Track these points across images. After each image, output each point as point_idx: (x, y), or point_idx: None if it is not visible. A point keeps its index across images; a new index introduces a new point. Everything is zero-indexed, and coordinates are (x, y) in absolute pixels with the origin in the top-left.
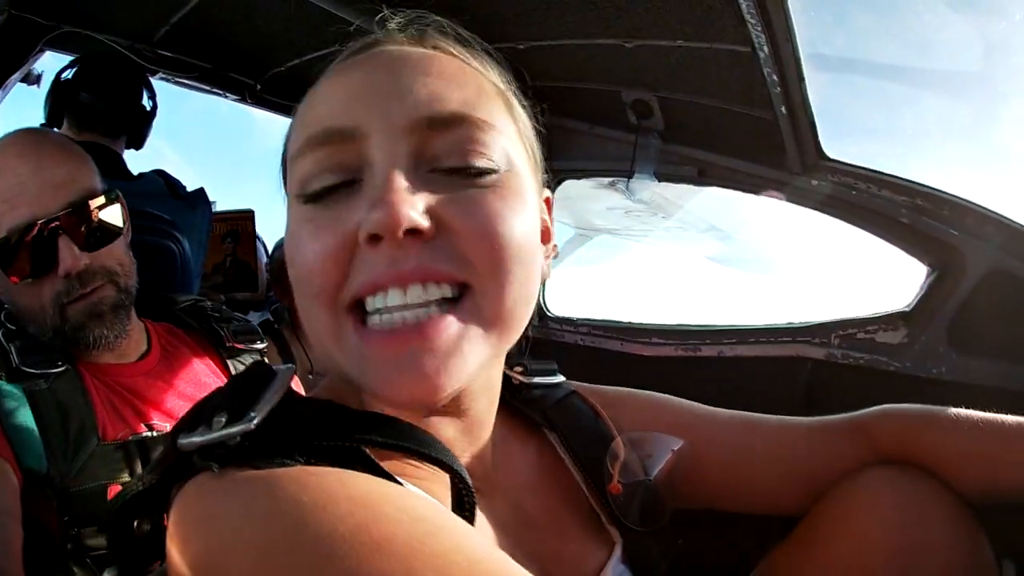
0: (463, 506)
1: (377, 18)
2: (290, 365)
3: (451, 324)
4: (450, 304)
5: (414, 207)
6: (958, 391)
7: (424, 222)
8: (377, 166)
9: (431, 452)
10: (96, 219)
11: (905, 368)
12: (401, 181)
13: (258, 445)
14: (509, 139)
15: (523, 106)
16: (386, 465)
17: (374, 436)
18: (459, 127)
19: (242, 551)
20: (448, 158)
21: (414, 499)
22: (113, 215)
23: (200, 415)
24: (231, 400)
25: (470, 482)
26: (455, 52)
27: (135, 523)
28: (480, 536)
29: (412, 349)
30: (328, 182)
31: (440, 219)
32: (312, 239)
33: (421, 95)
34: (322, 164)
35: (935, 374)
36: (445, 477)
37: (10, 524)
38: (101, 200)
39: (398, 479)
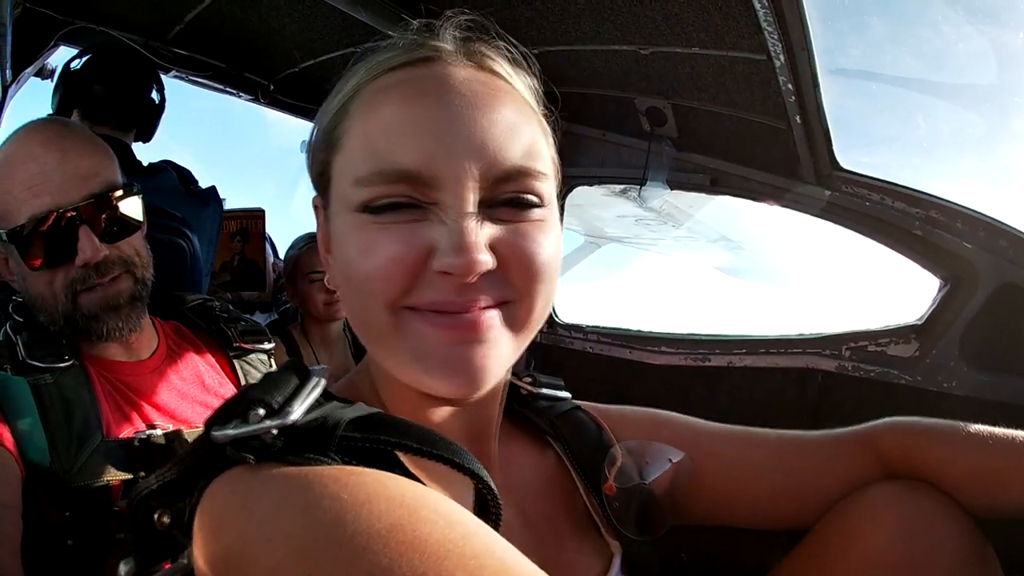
0: (488, 514)
1: (425, 23)
2: (324, 366)
3: (495, 321)
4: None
5: (484, 252)
6: (969, 405)
7: (492, 263)
8: (451, 210)
9: (462, 461)
10: (117, 211)
11: (916, 381)
12: (475, 230)
13: (294, 441)
14: (551, 179)
15: (548, 118)
16: (412, 469)
17: (409, 442)
18: (519, 179)
19: (278, 542)
20: (505, 195)
21: (448, 503)
22: (133, 208)
23: (235, 408)
24: (268, 395)
25: (497, 492)
26: (506, 75)
27: (155, 516)
28: (509, 544)
29: (464, 339)
30: (396, 201)
31: (498, 254)
32: (384, 248)
33: (490, 149)
34: (392, 192)
35: (946, 388)
36: (464, 483)
37: (9, 517)
38: (122, 193)
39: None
